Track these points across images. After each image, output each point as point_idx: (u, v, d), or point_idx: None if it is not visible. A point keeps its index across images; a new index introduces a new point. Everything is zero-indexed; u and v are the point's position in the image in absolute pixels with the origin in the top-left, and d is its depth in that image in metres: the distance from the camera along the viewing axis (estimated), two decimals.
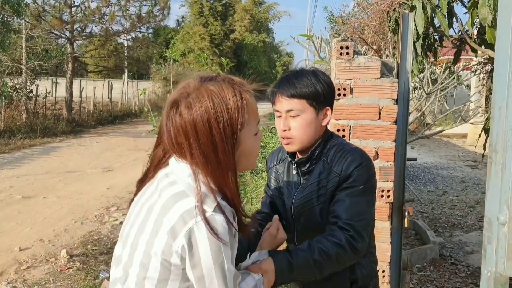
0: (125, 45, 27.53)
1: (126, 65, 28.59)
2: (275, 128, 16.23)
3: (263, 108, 31.72)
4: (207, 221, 1.18)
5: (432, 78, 7.86)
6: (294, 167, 1.82)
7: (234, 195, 1.28)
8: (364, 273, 1.78)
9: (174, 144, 1.26)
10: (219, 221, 1.19)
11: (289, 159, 1.84)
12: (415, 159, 3.18)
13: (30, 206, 6.94)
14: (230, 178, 1.26)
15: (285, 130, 1.73)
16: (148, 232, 1.24)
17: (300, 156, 1.80)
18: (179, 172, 1.27)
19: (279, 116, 1.77)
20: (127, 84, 27.84)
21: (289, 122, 1.73)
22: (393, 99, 2.39)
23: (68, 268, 4.78)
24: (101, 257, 5.02)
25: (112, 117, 21.19)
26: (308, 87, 1.71)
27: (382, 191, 2.42)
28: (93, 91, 20.64)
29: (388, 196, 2.44)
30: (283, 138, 1.76)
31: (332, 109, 1.78)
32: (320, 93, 1.73)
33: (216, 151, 1.24)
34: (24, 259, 4.98)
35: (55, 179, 8.90)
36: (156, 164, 1.35)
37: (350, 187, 1.67)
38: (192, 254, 1.19)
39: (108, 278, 4.34)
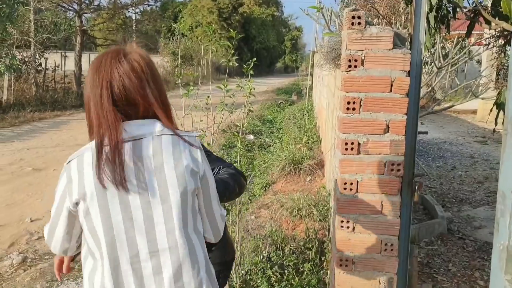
0: (133, 18, 27.32)
1: (134, 39, 28.40)
2: (282, 103, 16.07)
3: (271, 83, 31.53)
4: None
5: (443, 53, 7.73)
6: None
7: None
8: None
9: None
10: None
11: None
12: (426, 132, 3.15)
13: (41, 178, 7.01)
14: None
15: None
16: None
17: None
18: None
19: None
20: None
21: None
22: (405, 71, 2.34)
23: None
24: None
25: None
26: None
27: (392, 164, 2.40)
28: None
29: (398, 170, 2.42)
30: None
31: None
32: None
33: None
34: (35, 229, 5.06)
35: (65, 152, 8.96)
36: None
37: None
38: None
39: None
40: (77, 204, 1.42)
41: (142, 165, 1.43)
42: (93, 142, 1.43)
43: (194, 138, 1.53)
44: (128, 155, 1.42)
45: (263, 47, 46.89)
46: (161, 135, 1.46)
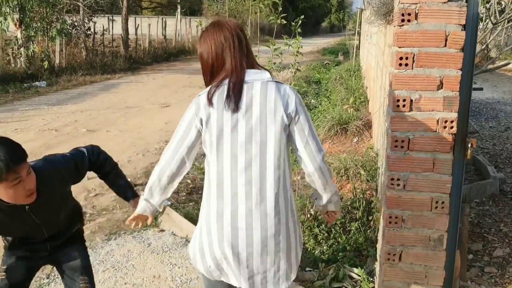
0: None
1: (179, 1, 28.40)
2: (328, 64, 15.71)
3: (317, 43, 30.97)
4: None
5: (499, 8, 7.31)
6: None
7: None
8: None
9: None
10: None
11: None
12: (481, 88, 3.05)
13: (95, 139, 7.30)
14: None
15: (31, 189, 2.02)
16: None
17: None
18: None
19: (16, 184, 1.93)
20: (181, 21, 27.80)
21: (30, 182, 2.00)
22: (461, 24, 2.26)
23: None
24: None
25: (167, 54, 21.38)
26: (17, 154, 1.96)
27: (445, 121, 2.35)
28: (148, 28, 20.79)
29: (452, 127, 2.37)
30: (28, 196, 2.02)
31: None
32: (21, 150, 2.00)
33: None
34: (92, 187, 5.32)
35: (116, 114, 9.26)
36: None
37: None
38: None
39: (170, 206, 4.56)
40: (201, 121, 1.89)
41: (251, 99, 1.87)
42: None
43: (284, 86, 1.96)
44: (245, 91, 1.88)
45: (308, 6, 45.79)
46: (268, 81, 1.91)
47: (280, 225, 1.90)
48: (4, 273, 2.30)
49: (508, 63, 6.34)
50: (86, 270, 2.47)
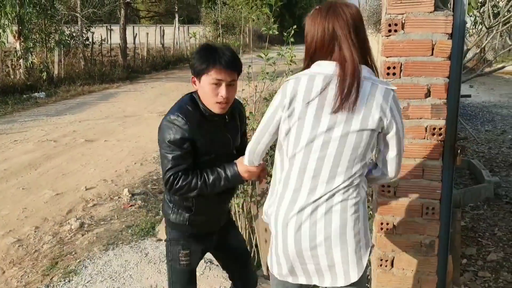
0: None
1: (176, 10, 28.55)
2: None
3: None
4: None
5: (494, 12, 7.36)
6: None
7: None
8: None
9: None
10: None
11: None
12: (469, 96, 3.10)
13: (93, 149, 7.34)
14: None
15: (232, 98, 2.19)
16: None
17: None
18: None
19: (216, 84, 2.12)
20: (179, 29, 27.92)
21: (234, 92, 2.20)
22: (447, 33, 2.31)
23: (130, 206, 5.10)
24: (161, 196, 5.31)
25: (165, 63, 21.45)
26: (240, 64, 2.20)
27: (434, 129, 2.39)
28: (146, 37, 20.87)
29: (440, 134, 2.41)
30: (220, 103, 2.15)
31: None
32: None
33: None
34: (90, 197, 5.35)
35: (114, 123, 9.30)
36: None
37: None
38: None
39: None
40: (288, 116, 1.75)
41: (358, 100, 1.71)
42: (310, 70, 1.78)
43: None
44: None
45: (305, 12, 45.96)
46: (379, 84, 1.74)
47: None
48: (188, 258, 2.31)
49: (504, 67, 6.40)
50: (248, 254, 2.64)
